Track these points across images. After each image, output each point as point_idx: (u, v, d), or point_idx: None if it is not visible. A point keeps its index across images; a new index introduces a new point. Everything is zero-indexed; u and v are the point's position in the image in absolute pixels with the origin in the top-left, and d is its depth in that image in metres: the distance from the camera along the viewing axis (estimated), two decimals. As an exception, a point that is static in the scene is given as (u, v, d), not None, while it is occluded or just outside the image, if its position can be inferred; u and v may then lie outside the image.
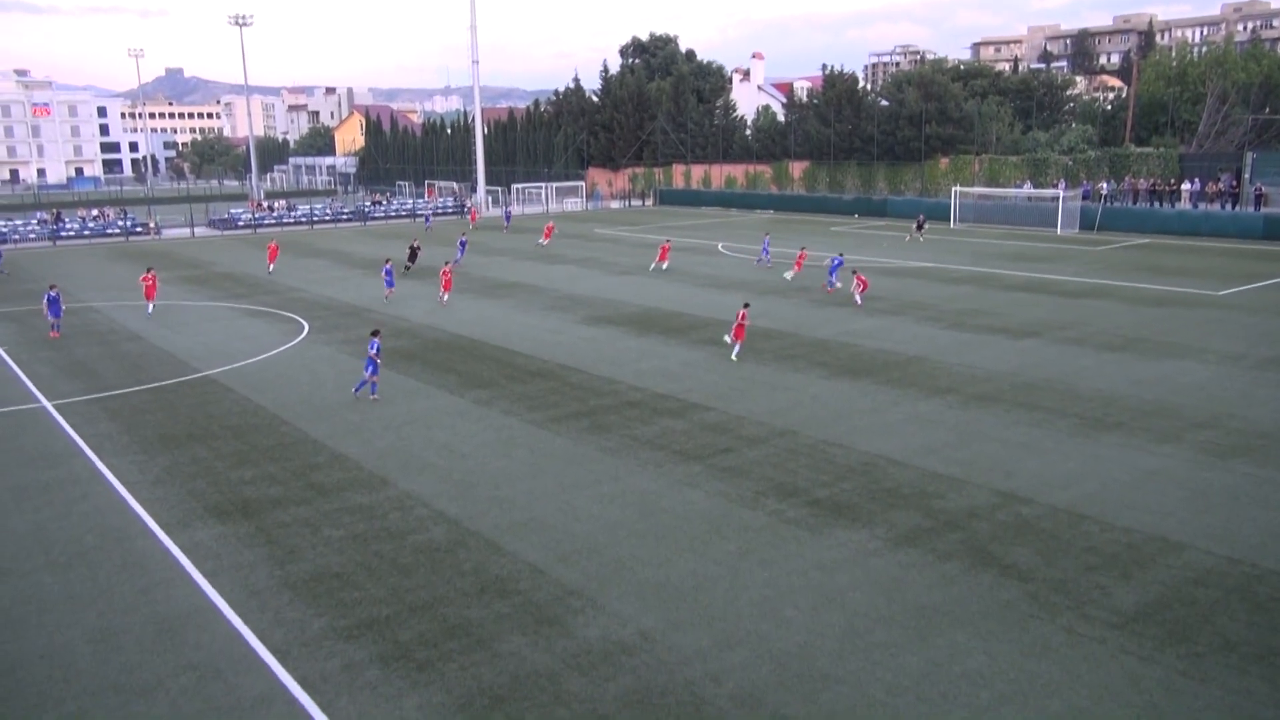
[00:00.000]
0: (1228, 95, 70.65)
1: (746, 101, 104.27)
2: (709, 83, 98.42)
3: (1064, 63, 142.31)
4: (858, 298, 33.70)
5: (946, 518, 15.12)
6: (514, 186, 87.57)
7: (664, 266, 43.32)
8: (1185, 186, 61.58)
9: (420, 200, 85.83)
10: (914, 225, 56.10)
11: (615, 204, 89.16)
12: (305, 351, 28.24)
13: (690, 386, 23.27)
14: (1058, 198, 58.12)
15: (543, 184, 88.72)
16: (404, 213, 79.43)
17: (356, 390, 22.85)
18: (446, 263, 37.96)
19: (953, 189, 63.86)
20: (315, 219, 74.85)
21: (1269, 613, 12.02)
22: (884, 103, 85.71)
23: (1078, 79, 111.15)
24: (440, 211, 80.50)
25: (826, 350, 26.82)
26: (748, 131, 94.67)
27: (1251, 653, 11.13)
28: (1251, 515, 15.01)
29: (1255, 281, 37.52)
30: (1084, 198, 60.18)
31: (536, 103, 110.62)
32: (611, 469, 17.67)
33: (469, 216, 73.05)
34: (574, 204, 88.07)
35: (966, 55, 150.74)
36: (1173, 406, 20.84)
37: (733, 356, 25.72)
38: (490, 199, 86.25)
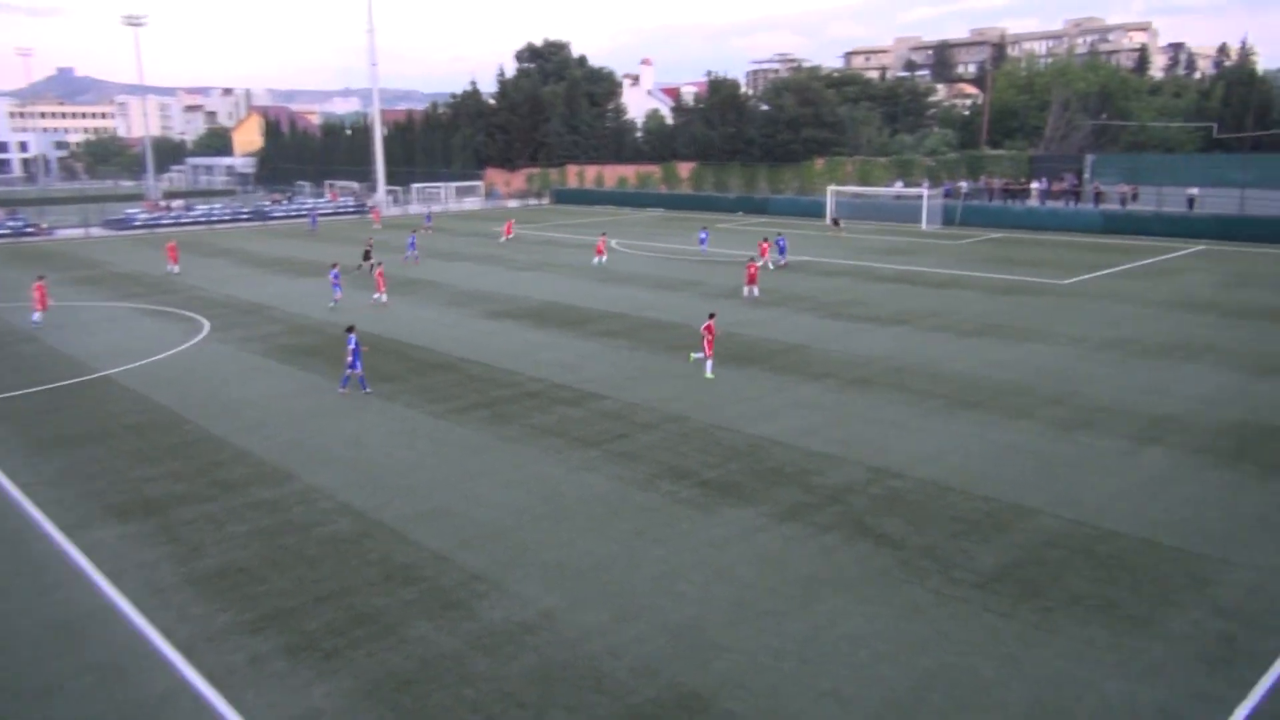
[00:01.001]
0: (1070, 102, 74.25)
1: (636, 105, 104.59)
2: (601, 87, 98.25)
3: (926, 72, 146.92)
4: (747, 289, 33.84)
5: (826, 493, 15.51)
6: (413, 186, 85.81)
7: (604, 261, 43.01)
8: (1034, 185, 64.36)
9: (321, 200, 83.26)
10: (831, 222, 57.85)
11: (513, 203, 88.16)
12: (206, 350, 27.12)
13: (587, 376, 23.25)
14: (922, 196, 60.12)
15: (441, 184, 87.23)
16: (303, 213, 76.99)
17: (343, 386, 22.09)
18: (379, 263, 36.67)
19: (828, 188, 65.35)
20: (214, 219, 71.92)
21: (1108, 568, 12.73)
22: (764, 107, 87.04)
23: (939, 87, 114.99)
24: (341, 210, 78.28)
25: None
26: (638, 134, 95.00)
27: (1094, 605, 11.77)
28: (1092, 481, 15.85)
29: (1095, 271, 39.55)
30: (946, 196, 62.34)
31: (434, 105, 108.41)
32: (513, 457, 17.53)
33: (372, 215, 71.34)
34: (473, 203, 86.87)
35: (839, 64, 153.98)
36: (1025, 386, 21.82)
37: (708, 374, 22.82)
38: (391, 199, 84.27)
